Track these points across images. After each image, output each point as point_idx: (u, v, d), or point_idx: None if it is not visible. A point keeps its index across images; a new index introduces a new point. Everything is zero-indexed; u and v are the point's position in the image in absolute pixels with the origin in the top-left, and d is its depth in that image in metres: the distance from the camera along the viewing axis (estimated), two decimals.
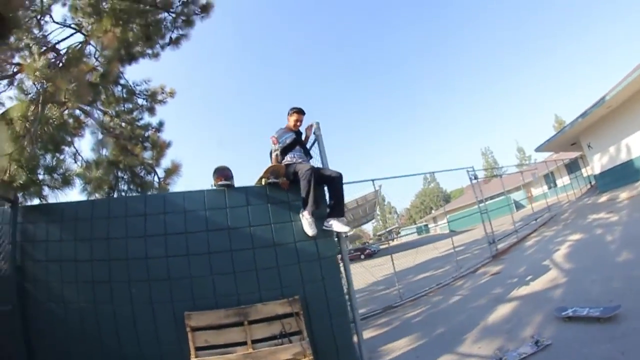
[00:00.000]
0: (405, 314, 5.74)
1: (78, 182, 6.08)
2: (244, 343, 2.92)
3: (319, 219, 3.41)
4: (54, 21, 6.05)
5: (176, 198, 3.55)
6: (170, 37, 7.46)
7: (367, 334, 4.98)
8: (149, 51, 7.32)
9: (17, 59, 5.24)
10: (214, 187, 3.54)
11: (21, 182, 4.73)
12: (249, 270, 3.24)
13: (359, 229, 41.14)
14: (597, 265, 4.77)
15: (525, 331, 3.45)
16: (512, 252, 8.49)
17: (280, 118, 3.89)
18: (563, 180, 18.87)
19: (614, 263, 4.56)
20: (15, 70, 5.20)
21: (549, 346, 3.00)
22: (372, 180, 7.57)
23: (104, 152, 7.30)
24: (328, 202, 3.56)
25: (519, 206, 18.85)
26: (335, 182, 3.50)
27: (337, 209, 3.46)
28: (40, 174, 5.26)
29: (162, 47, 7.43)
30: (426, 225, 39.85)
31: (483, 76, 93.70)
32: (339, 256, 3.68)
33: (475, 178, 9.61)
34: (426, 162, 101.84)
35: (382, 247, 35.20)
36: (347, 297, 3.57)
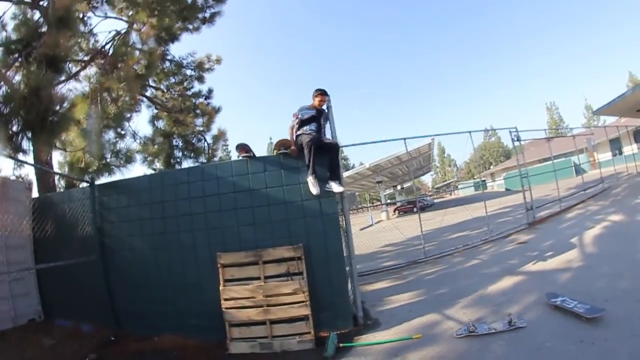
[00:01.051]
0: (424, 270, 6.16)
1: (139, 157, 7.39)
2: (259, 278, 3.77)
3: (322, 181, 4.00)
4: (95, 15, 6.81)
5: (211, 168, 4.55)
6: (204, 17, 8.21)
7: (381, 285, 5.65)
8: (190, 26, 8.11)
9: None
10: (239, 158, 4.35)
11: (94, 167, 6.07)
12: (265, 222, 4.06)
13: (417, 181, 40.63)
14: (617, 256, 4.54)
15: (512, 308, 3.51)
16: (549, 222, 8.24)
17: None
18: (633, 147, 16.83)
19: (634, 260, 4.25)
20: (72, 68, 6.10)
21: (520, 329, 3.04)
22: (404, 139, 7.63)
23: (159, 124, 8.46)
24: (328, 168, 4.08)
25: (579, 171, 17.09)
26: (332, 150, 4.07)
27: (334, 173, 4.02)
28: (107, 157, 6.56)
29: (202, 22, 8.21)
30: (484, 181, 37.37)
31: (560, 33, 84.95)
32: (341, 214, 4.29)
33: (518, 140, 9.19)
34: (493, 115, 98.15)
35: (435, 200, 34.49)
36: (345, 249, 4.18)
